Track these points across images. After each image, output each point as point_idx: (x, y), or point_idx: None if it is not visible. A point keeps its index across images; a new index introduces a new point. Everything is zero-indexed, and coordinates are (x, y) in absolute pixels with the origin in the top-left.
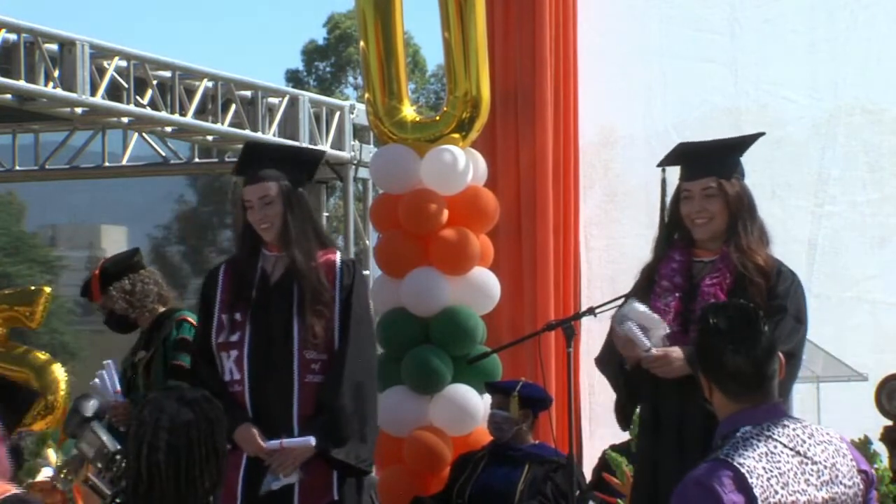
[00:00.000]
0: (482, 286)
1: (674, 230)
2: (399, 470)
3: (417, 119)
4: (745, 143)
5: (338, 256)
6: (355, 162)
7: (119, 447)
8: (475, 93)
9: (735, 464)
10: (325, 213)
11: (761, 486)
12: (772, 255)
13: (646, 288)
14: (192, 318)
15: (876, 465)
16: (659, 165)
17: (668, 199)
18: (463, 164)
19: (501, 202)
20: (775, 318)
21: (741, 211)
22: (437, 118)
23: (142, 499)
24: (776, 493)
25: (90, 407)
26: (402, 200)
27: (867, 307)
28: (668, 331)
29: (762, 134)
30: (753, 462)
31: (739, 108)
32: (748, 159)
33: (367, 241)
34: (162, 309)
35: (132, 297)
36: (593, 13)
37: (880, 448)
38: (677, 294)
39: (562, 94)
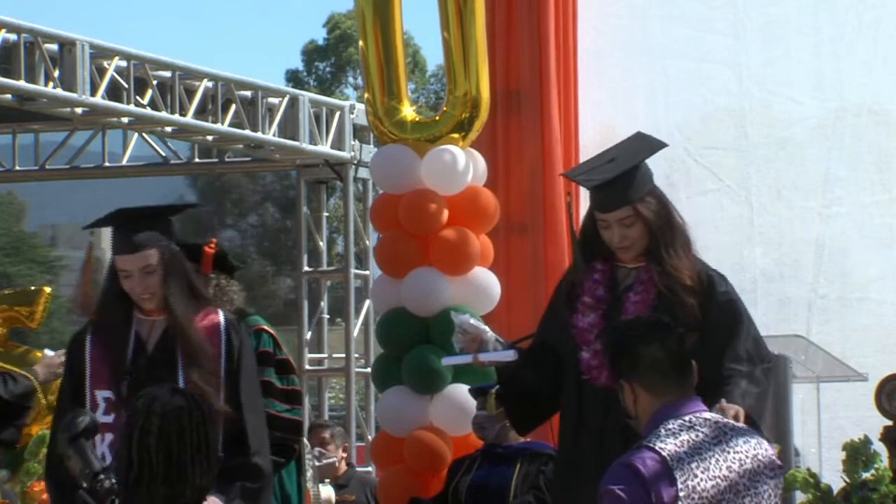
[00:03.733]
0: (482, 286)
1: (591, 250)
2: (399, 470)
3: (417, 119)
4: (648, 153)
5: (221, 316)
6: (355, 162)
7: (104, 465)
8: (475, 93)
9: (656, 448)
10: (325, 213)
11: (681, 469)
12: (696, 262)
13: (566, 304)
14: (267, 327)
15: (876, 465)
16: (564, 175)
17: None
18: (463, 164)
19: (501, 202)
20: (736, 329)
21: (661, 229)
22: (437, 118)
23: (132, 488)
24: (695, 476)
25: (79, 424)
26: (402, 200)
27: (873, 308)
28: (489, 334)
29: (665, 144)
30: (675, 447)
31: (743, 108)
32: (752, 160)
33: (367, 241)
34: None
35: (218, 294)
36: (594, 13)
37: (880, 448)
38: (600, 310)
39: (562, 93)
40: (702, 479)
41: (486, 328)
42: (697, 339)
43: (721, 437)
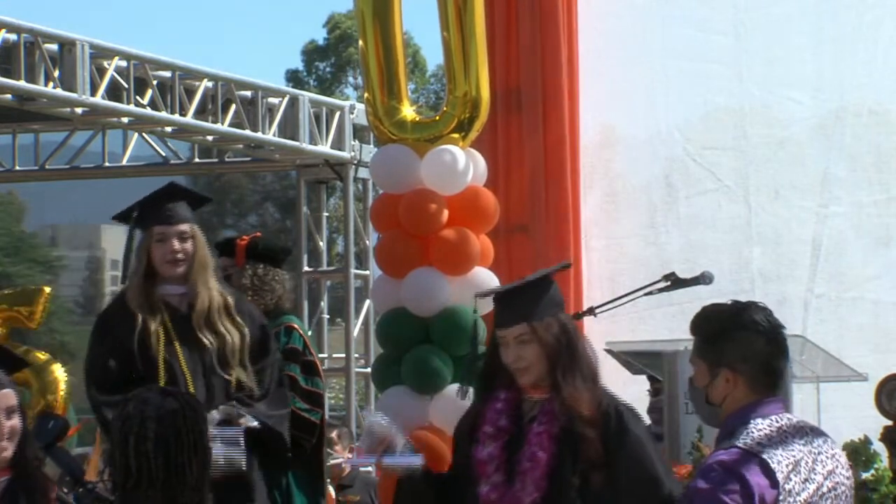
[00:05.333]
0: (482, 286)
1: (494, 375)
2: None
3: (417, 119)
4: (552, 272)
5: None
6: (355, 162)
7: (81, 471)
8: (475, 93)
9: (761, 454)
10: (325, 213)
11: (782, 473)
12: (602, 396)
13: (469, 434)
14: (298, 325)
15: (876, 465)
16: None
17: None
18: (463, 164)
19: (502, 202)
20: (647, 481)
21: (559, 355)
22: (437, 118)
23: (130, 493)
24: (790, 479)
25: (52, 429)
26: (402, 200)
27: (869, 307)
28: (398, 437)
29: (568, 265)
30: (772, 451)
31: (744, 108)
32: (751, 160)
33: (367, 241)
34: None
35: (258, 284)
36: (594, 13)
37: (880, 448)
38: (501, 441)
39: (563, 93)
40: (795, 483)
41: (396, 430)
42: (603, 480)
43: (807, 438)
